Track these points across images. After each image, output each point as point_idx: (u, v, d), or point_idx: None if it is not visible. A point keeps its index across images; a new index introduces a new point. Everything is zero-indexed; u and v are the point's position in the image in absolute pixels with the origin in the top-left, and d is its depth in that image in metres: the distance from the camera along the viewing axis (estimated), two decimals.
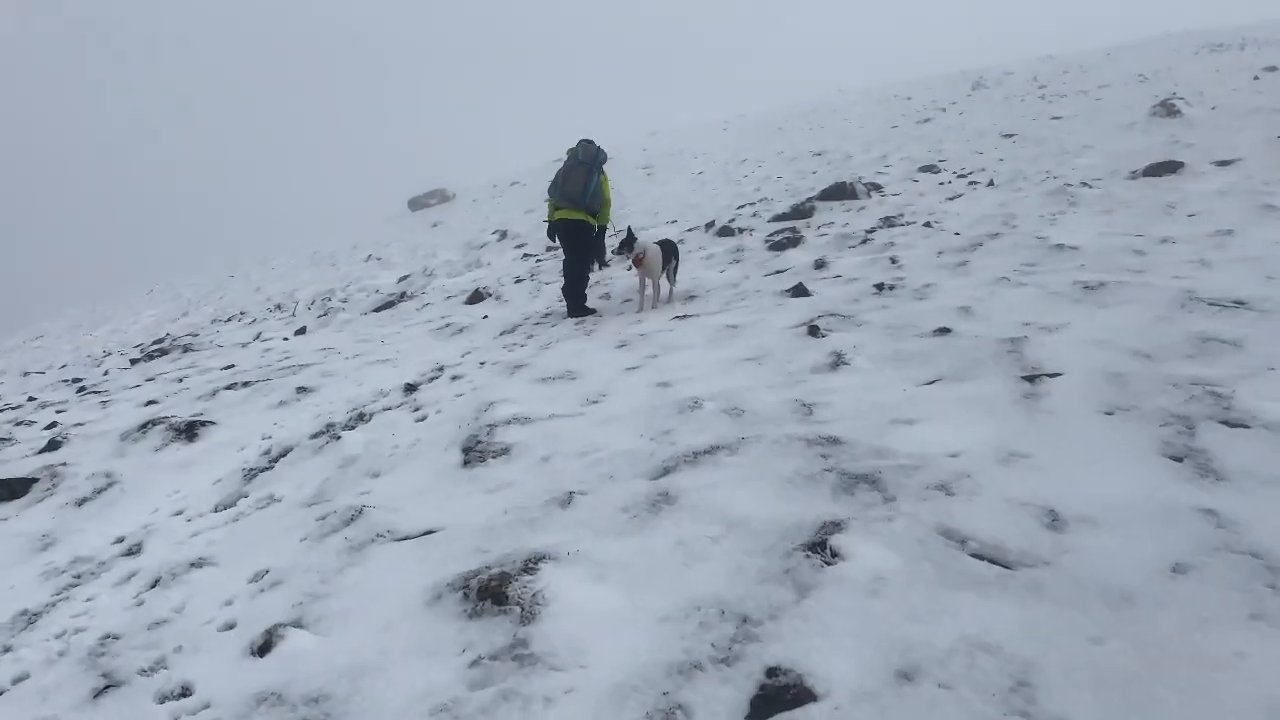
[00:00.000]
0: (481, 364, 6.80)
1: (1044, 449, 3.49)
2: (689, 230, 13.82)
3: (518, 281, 12.36)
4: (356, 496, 4.36)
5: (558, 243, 9.15)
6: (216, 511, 4.69)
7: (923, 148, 21.06)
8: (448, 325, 9.51)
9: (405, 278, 18.70)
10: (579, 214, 8.89)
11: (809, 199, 13.22)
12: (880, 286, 6.99)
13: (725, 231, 12.57)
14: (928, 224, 9.99)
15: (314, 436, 5.43)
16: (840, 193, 13.09)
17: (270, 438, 5.67)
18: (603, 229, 9.36)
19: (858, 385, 4.78)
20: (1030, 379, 4.29)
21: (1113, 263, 6.85)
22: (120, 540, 4.44)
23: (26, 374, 17.13)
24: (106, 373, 10.85)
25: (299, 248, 40.75)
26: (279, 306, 18.38)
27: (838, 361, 5.22)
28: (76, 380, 10.66)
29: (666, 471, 3.86)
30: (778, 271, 9.05)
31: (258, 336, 12.21)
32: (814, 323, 6.18)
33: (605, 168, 8.90)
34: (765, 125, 39.08)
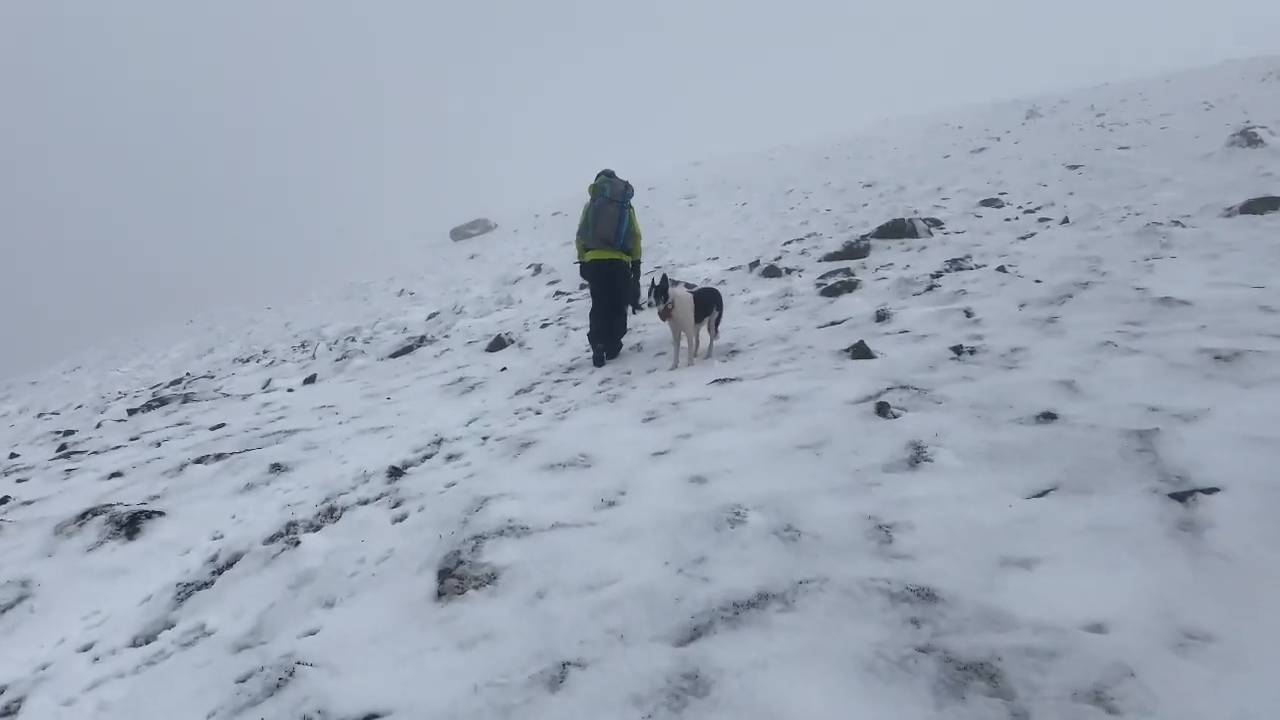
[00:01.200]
0: (484, 439, 5.78)
1: (1230, 623, 2.39)
2: (731, 269, 12.79)
3: (544, 326, 11.39)
4: (298, 640, 3.37)
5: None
6: (134, 646, 3.71)
7: (981, 179, 19.92)
8: (461, 380, 8.55)
9: (434, 315, 17.98)
10: (613, 254, 8.45)
11: (864, 236, 12.13)
12: (958, 350, 5.88)
13: (771, 272, 11.51)
14: (1001, 268, 8.86)
15: (270, 540, 4.45)
16: (898, 230, 11.97)
17: (222, 537, 4.69)
18: (637, 264, 8.82)
19: (947, 494, 3.70)
20: (1180, 497, 3.18)
21: (1240, 323, 5.69)
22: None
23: (41, 415, 16.54)
24: (99, 425, 10.05)
25: (340, 277, 40.47)
26: (303, 345, 17.68)
27: (918, 456, 4.14)
28: (68, 434, 9.86)
29: (697, 634, 2.81)
30: (832, 323, 7.96)
31: (266, 384, 11.38)
32: (882, 397, 5.11)
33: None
34: (811, 155, 38.08)
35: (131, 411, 10.31)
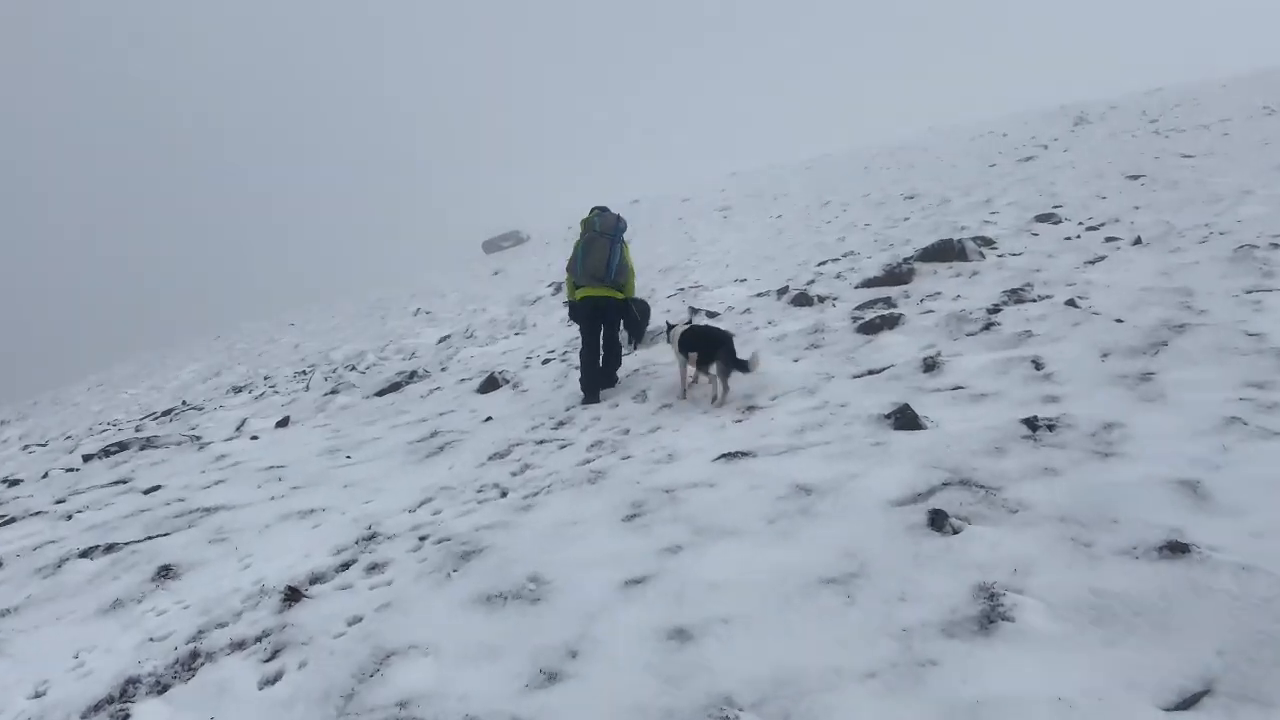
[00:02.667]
0: (422, 540, 4.53)
1: None
2: (758, 295, 11.49)
3: (545, 362, 10.18)
4: None
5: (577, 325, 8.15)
6: None
7: (1032, 190, 18.42)
8: (434, 434, 7.35)
9: (445, 338, 16.94)
10: (604, 290, 7.97)
11: (906, 259, 10.76)
12: (1033, 424, 4.55)
13: (802, 300, 10.20)
14: (1071, 302, 7.49)
15: (94, 710, 3.26)
16: (945, 251, 10.58)
17: (44, 694, 3.50)
18: (629, 301, 8.27)
19: (1040, 691, 2.46)
20: None
21: None
22: None
23: (27, 446, 15.66)
24: (46, 474, 9.00)
25: (371, 291, 39.75)
26: (302, 373, 16.63)
27: (991, 611, 2.88)
28: (12, 483, 8.84)
29: None
30: (870, 372, 6.64)
31: (240, 425, 10.29)
32: (936, 498, 3.83)
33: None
34: (850, 164, 36.60)
35: (87, 458, 9.26)
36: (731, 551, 3.72)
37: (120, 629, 3.97)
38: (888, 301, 9.14)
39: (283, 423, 9.63)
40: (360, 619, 3.64)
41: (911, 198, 21.30)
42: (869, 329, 8.02)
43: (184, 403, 16.55)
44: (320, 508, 5.45)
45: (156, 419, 14.41)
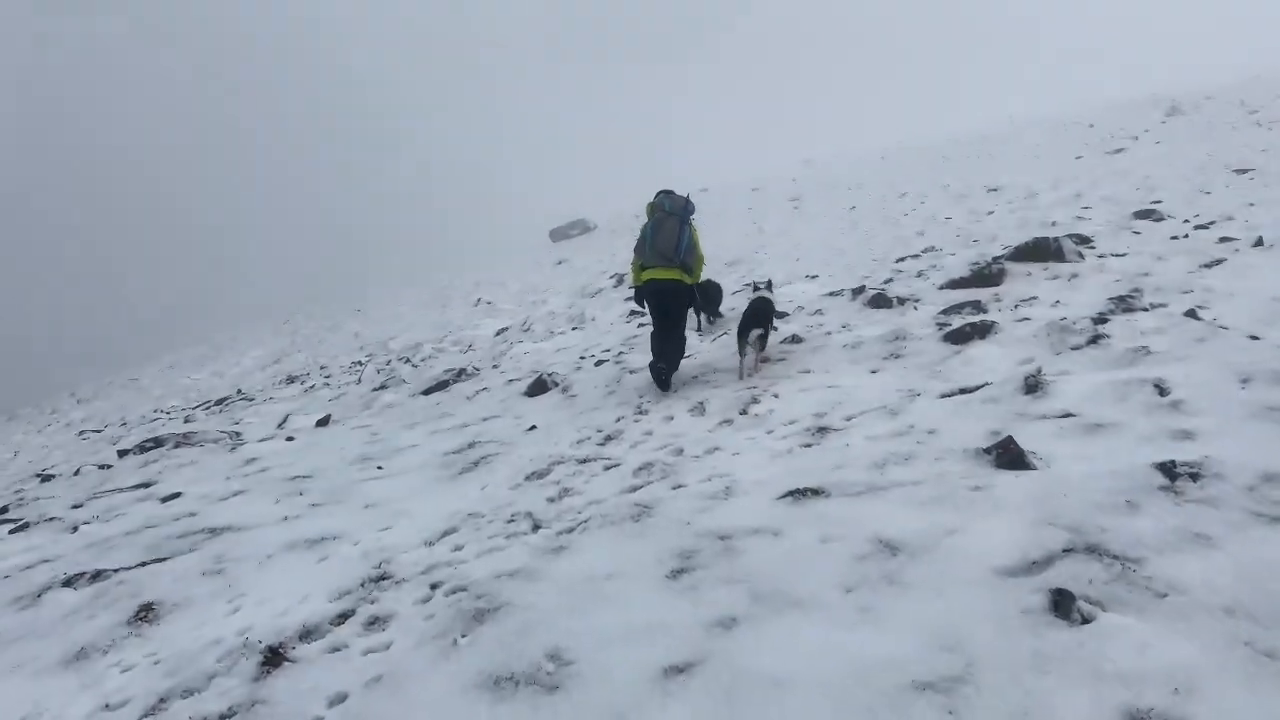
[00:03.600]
0: (433, 589, 3.89)
1: None
2: (830, 294, 10.66)
3: (599, 364, 9.50)
4: None
5: (645, 309, 7.93)
6: None
7: (1126, 184, 17.16)
8: (473, 445, 6.74)
9: (503, 330, 16.44)
10: (673, 273, 7.61)
11: (996, 258, 9.81)
12: (1170, 473, 3.70)
13: (880, 301, 9.35)
14: (1192, 313, 6.57)
15: None
16: (1040, 251, 9.60)
17: None
18: (695, 287, 7.98)
19: None
20: None
21: None
22: None
23: (82, 432, 15.59)
24: (78, 471, 8.65)
25: (438, 278, 39.66)
26: (357, 363, 16.27)
27: None
28: (46, 478, 8.52)
29: None
30: (962, 391, 5.81)
31: (283, 421, 9.85)
32: (1057, 570, 3.05)
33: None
34: (928, 154, 35.22)
35: (122, 454, 8.90)
36: (799, 630, 2.99)
37: (78, 687, 3.40)
38: (976, 305, 8.26)
39: (323, 421, 9.16)
40: (345, 697, 3.00)
41: (995, 190, 20.13)
42: (958, 338, 7.18)
43: (239, 391, 16.33)
44: (332, 535, 4.85)
45: (208, 408, 14.17)
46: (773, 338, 8.21)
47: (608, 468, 5.58)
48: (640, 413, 7.04)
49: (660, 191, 7.99)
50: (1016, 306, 8.04)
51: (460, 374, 10.33)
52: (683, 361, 8.08)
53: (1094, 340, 6.35)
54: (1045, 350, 6.44)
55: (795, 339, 8.47)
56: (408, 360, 14.85)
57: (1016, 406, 5.20)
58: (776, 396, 6.57)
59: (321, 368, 17.23)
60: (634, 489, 5.02)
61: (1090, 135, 29.11)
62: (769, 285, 8.19)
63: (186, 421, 12.30)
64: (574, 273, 26.27)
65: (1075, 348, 6.32)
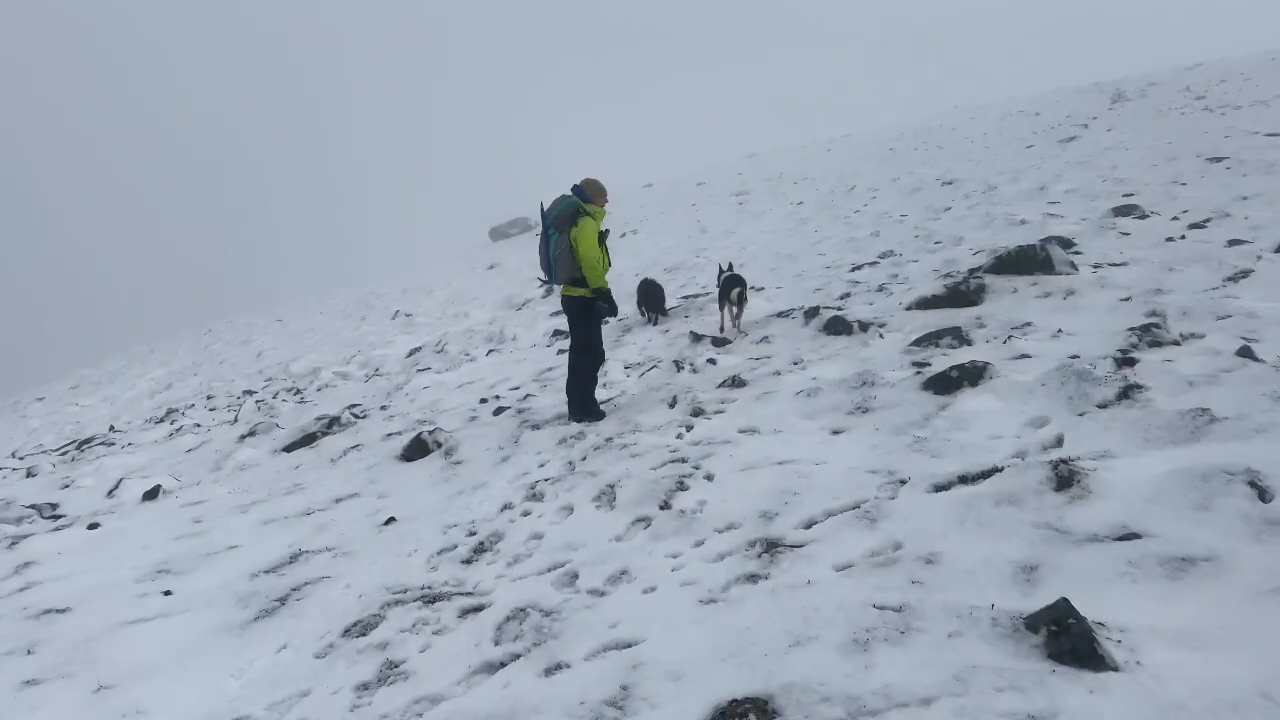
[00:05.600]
0: None
1: None
2: (779, 315, 9.03)
3: (498, 413, 7.75)
4: None
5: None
6: None
7: (1090, 175, 15.83)
8: (296, 559, 4.96)
9: (415, 350, 14.67)
10: (570, 289, 6.99)
11: (974, 270, 8.25)
12: None
13: (838, 326, 7.72)
14: (1246, 352, 5.06)
15: None
16: (1025, 262, 8.01)
17: None
18: (596, 292, 6.88)
19: None
20: None
21: None
22: None
23: None
24: None
25: (364, 284, 37.49)
26: (246, 392, 14.34)
27: None
28: None
29: None
30: (962, 479, 4.18)
31: (115, 487, 7.94)
32: None
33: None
34: (873, 146, 33.90)
35: None
36: None
37: None
38: (957, 335, 6.68)
39: (151, 494, 7.30)
40: None
41: (950, 183, 18.71)
42: (941, 385, 5.56)
43: (112, 428, 14.31)
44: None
45: (64, 453, 12.16)
46: (712, 376, 6.66)
47: (464, 613, 3.85)
48: (533, 496, 5.34)
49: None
50: (1009, 338, 6.47)
51: (332, 424, 8.49)
52: (610, 402, 7.17)
53: (1125, 394, 4.76)
54: (1061, 406, 4.86)
55: (737, 381, 6.83)
56: (298, 392, 12.98)
57: (1048, 514, 3.56)
58: (710, 479, 4.90)
59: (208, 398, 15.25)
60: (490, 668, 3.31)
61: (1038, 123, 28.00)
62: (730, 266, 9.02)
63: (28, 475, 10.33)
64: (504, 277, 24.44)
65: (1102, 405, 4.73)
